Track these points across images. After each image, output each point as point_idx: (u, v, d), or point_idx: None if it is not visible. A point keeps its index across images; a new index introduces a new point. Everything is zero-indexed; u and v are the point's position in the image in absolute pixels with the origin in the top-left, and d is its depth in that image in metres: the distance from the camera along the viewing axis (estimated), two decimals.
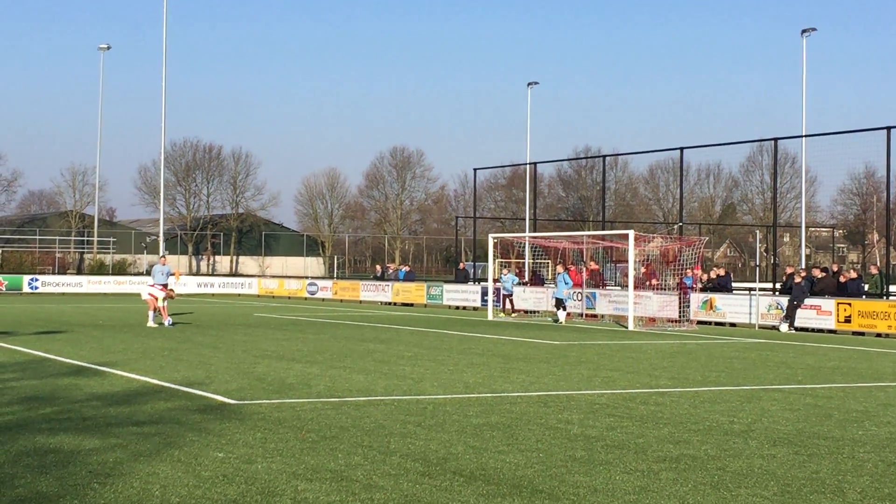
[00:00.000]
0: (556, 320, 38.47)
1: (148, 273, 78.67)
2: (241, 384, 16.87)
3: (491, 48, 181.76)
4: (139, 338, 27.10)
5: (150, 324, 31.79)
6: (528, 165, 70.03)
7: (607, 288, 42.81)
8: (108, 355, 21.79)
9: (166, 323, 31.85)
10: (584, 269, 43.94)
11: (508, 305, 44.61)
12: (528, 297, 44.82)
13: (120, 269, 79.01)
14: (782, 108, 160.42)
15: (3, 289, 62.97)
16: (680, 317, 37.40)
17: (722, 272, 42.29)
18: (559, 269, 40.14)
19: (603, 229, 57.70)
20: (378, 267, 68.02)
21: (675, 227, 58.64)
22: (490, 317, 41.23)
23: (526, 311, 44.04)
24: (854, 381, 19.11)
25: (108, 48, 77.08)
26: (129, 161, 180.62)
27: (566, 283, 38.69)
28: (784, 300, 35.88)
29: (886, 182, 40.08)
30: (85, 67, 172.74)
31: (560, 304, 38.50)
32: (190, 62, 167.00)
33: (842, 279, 36.73)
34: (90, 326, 31.61)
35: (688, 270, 39.05)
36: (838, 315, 34.19)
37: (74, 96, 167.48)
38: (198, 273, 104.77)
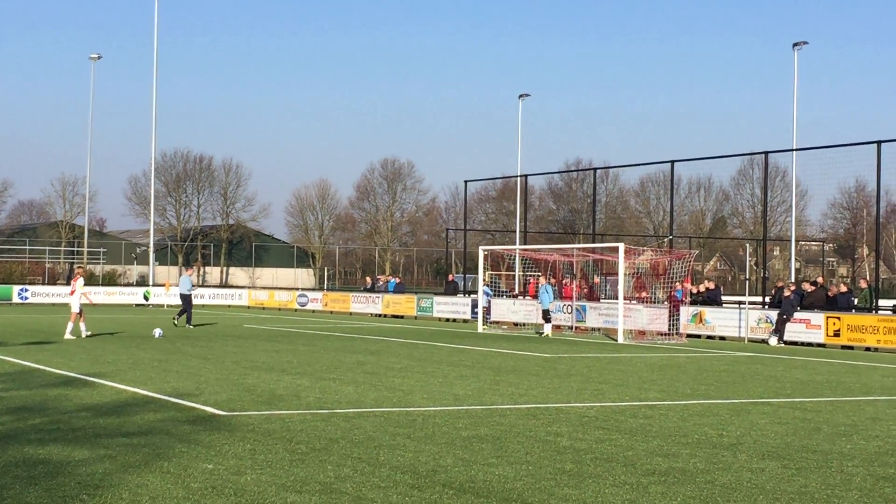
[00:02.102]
0: (541, 333, 38.43)
1: (139, 284, 78.66)
2: (230, 395, 16.86)
3: (482, 60, 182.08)
4: (129, 349, 27.07)
5: (68, 336, 30.91)
6: (518, 178, 70.16)
7: (602, 301, 42.81)
8: (97, 366, 21.77)
9: (68, 335, 31.04)
10: (575, 282, 43.96)
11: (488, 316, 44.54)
12: (518, 310, 44.83)
13: (110, 280, 78.95)
14: (773, 121, 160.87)
15: None
16: (669, 330, 37.44)
17: (712, 285, 42.33)
18: (541, 280, 40.12)
19: (593, 242, 57.74)
20: (368, 279, 67.98)
21: (666, 240, 58.72)
22: (480, 329, 41.22)
23: (515, 324, 44.04)
24: (843, 395, 19.15)
25: (99, 58, 77.04)
26: (119, 171, 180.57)
27: (547, 294, 38.61)
28: (773, 314, 35.95)
29: (877, 196, 40.20)
30: (76, 77, 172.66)
31: (546, 316, 38.45)
32: (181, 73, 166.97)
33: (829, 293, 36.81)
34: (79, 337, 31.50)
35: (678, 283, 39.10)
36: (827, 329, 34.25)
37: (65, 106, 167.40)
38: None
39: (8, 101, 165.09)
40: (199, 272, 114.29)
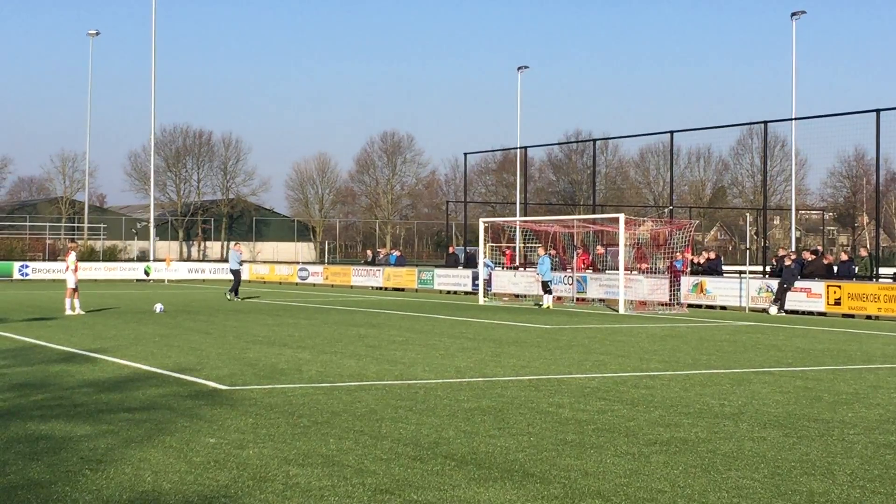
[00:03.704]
0: (540, 305, 38.41)
1: (140, 259, 78.67)
2: (232, 370, 16.88)
3: (481, 32, 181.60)
4: (130, 324, 27.08)
5: (69, 312, 30.66)
6: (518, 150, 70.00)
7: (606, 272, 42.82)
8: (99, 342, 21.78)
9: (69, 310, 30.81)
10: (577, 253, 43.95)
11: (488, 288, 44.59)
12: (519, 282, 44.84)
13: (110, 256, 78.91)
14: (772, 91, 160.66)
15: None
16: (670, 300, 37.45)
17: (712, 255, 42.32)
18: (540, 251, 40.07)
19: (593, 213, 57.69)
20: (369, 252, 67.94)
21: (666, 210, 58.67)
22: (481, 301, 41.24)
23: (516, 296, 44.06)
24: (844, 364, 19.17)
25: (98, 34, 76.81)
26: (119, 147, 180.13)
27: (545, 265, 38.51)
28: (774, 283, 35.96)
29: (876, 164, 40.22)
30: (74, 53, 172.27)
31: (545, 287, 38.41)
32: (179, 47, 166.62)
33: (825, 261, 36.81)
34: (74, 313, 31.48)
35: (678, 254, 39.08)
36: (828, 297, 34.26)
37: (64, 82, 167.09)
38: (188, 259, 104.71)
39: (7, 78, 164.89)
40: (199, 247, 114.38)
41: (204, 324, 27.44)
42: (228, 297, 40.95)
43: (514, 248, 52.95)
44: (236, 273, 41.93)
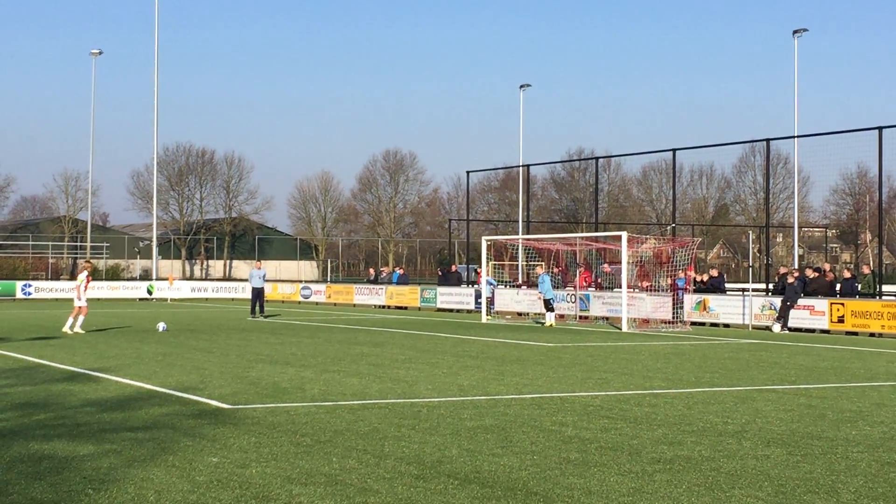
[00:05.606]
0: (541, 323, 38.36)
1: (143, 278, 78.70)
2: (235, 388, 16.86)
3: (483, 50, 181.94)
4: (133, 343, 27.08)
5: (66, 329, 30.70)
6: (520, 168, 70.03)
7: (605, 290, 42.80)
8: (101, 361, 21.77)
9: (68, 329, 30.79)
10: (580, 271, 43.95)
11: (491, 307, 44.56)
12: (522, 300, 44.82)
13: (113, 275, 78.93)
14: (774, 108, 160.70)
15: None
16: (673, 318, 37.42)
17: (715, 273, 42.33)
18: (539, 269, 40.05)
19: (596, 231, 57.68)
20: (371, 270, 67.93)
21: (668, 228, 58.64)
22: (484, 319, 41.22)
23: (519, 314, 44.03)
24: (848, 381, 19.14)
25: (101, 53, 76.92)
26: (121, 166, 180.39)
27: (544, 283, 38.44)
28: (777, 300, 35.93)
29: (879, 182, 40.17)
30: (77, 72, 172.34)
31: (547, 305, 38.35)
32: (182, 66, 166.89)
33: (828, 279, 36.78)
34: (83, 332, 31.49)
35: (680, 272, 39.06)
36: (831, 315, 34.23)
37: (67, 101, 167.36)
38: (191, 277, 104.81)
39: (10, 97, 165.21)
40: (202, 265, 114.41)
41: (206, 342, 27.44)
42: (257, 316, 42.07)
43: (518, 265, 52.95)
44: (259, 291, 42.90)
